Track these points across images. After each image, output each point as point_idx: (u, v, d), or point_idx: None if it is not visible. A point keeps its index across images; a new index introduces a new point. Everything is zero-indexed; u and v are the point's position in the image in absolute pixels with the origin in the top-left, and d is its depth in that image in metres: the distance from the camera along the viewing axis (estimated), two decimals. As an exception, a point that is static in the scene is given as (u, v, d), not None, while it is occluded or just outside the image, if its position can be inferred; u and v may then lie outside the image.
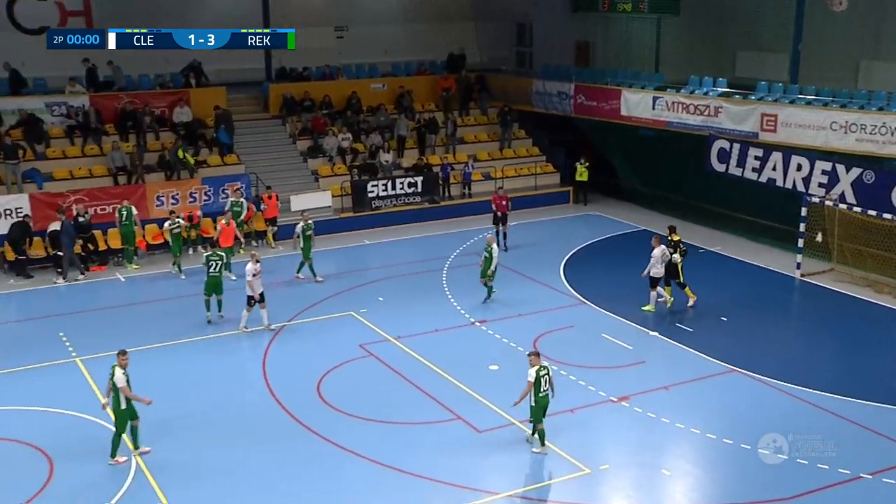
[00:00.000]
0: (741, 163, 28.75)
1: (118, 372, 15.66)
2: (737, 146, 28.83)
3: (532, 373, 15.87)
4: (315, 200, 31.34)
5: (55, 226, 26.91)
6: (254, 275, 21.59)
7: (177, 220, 26.88)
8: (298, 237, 25.59)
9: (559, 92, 35.39)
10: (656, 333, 21.84)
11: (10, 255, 26.86)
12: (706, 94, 30.30)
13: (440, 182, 33.76)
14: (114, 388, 15.63)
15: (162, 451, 16.35)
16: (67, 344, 21.45)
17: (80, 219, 27.39)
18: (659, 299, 23.26)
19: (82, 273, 26.79)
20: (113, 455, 15.89)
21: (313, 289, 25.20)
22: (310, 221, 25.84)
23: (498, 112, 37.41)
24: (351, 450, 16.35)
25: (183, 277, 26.17)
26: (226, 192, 30.24)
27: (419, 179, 33.11)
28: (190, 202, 29.76)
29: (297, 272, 25.91)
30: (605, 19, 37.97)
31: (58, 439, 16.78)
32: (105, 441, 16.19)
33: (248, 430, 17.22)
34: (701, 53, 36.01)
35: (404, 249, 29.56)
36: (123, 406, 15.72)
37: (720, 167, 29.53)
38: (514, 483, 15.52)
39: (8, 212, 27.35)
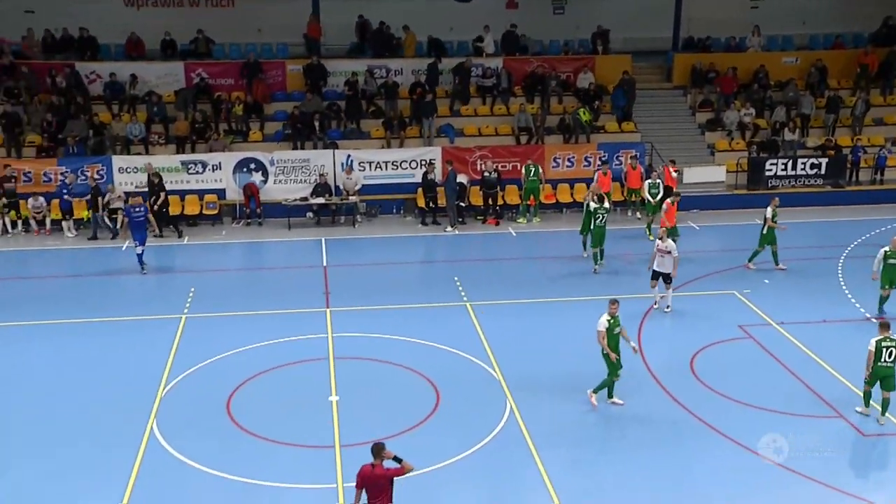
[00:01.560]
0: None
1: (602, 318, 16.41)
2: None
3: (872, 342, 15.82)
4: (708, 174, 30.91)
5: (462, 178, 29.00)
6: (658, 249, 21.03)
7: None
8: (769, 221, 23.62)
9: None
10: None
11: (421, 202, 29.31)
12: None
13: (848, 165, 31.65)
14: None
15: (525, 399, 17.01)
16: (460, 288, 22.97)
17: (486, 175, 29.16)
18: None
19: (452, 226, 28.47)
20: (596, 390, 16.71)
21: (699, 263, 24.61)
22: (776, 207, 23.80)
23: (931, 92, 34.05)
24: (717, 428, 16.05)
25: (597, 269, 24.31)
26: (619, 158, 30.67)
27: (824, 161, 31.27)
28: (584, 166, 30.58)
29: (749, 261, 24.37)
30: None
31: (444, 373, 18.08)
32: (479, 380, 17.61)
33: (618, 392, 17.13)
34: None
35: (799, 232, 27.87)
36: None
37: None
38: (899, 496, 14.30)
39: (423, 162, 29.86)
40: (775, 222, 23.64)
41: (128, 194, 27.25)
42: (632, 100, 32.95)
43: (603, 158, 30.46)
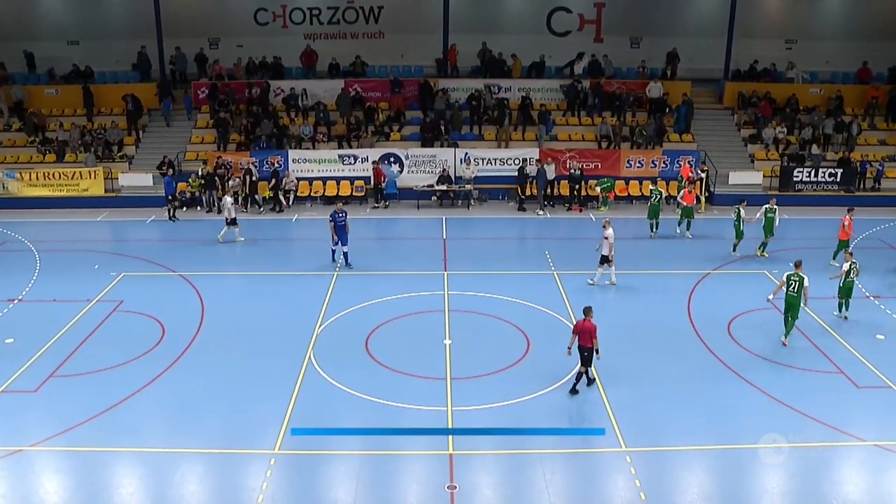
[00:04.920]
0: None
1: (804, 279, 17.04)
2: None
3: (846, 265, 18.34)
4: (749, 178, 29.91)
5: (550, 173, 28.51)
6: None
7: (658, 190, 24.91)
8: None
9: None
10: None
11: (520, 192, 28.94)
12: None
13: (857, 175, 30.15)
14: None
15: (607, 352, 16.64)
16: (549, 260, 22.74)
17: (573, 171, 28.62)
18: None
19: (542, 209, 28.04)
20: (786, 335, 17.24)
21: (738, 249, 23.56)
22: None
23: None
24: (744, 376, 15.67)
25: (653, 236, 24.77)
26: (679, 163, 29.66)
27: (839, 171, 29.87)
28: (651, 167, 29.71)
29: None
30: None
31: (534, 326, 18.00)
32: (560, 332, 17.17)
33: (669, 348, 17.02)
34: None
35: (818, 227, 26.69)
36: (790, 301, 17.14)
37: None
38: (884, 436, 13.70)
39: (526, 160, 29.46)
40: None
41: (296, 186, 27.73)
42: (690, 117, 31.95)
43: (692, 177, 28.35)
